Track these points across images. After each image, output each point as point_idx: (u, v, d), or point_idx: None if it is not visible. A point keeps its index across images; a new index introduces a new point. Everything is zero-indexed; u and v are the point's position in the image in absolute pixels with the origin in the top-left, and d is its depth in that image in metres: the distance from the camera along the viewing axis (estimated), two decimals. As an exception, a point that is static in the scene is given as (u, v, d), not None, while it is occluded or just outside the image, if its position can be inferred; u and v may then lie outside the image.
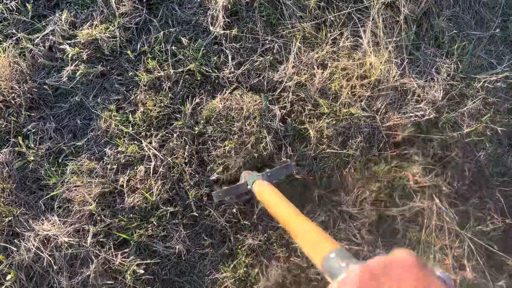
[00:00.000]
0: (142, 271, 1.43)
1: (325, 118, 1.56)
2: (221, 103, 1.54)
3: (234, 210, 1.49)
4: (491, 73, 1.61)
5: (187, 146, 1.52)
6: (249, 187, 1.31)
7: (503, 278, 1.51)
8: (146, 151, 1.50)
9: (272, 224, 1.50)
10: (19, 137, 1.48)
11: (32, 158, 1.47)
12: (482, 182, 1.58)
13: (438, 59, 1.61)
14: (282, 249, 1.49)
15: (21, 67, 1.51)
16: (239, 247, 1.49)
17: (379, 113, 1.55)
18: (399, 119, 1.53)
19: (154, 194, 1.46)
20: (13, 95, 1.50)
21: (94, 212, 1.44)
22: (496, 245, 1.52)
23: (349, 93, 1.56)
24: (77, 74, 1.54)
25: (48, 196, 1.46)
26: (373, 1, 1.55)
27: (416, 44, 1.63)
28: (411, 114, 1.53)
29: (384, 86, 1.54)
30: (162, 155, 1.50)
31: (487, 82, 1.58)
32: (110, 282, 1.41)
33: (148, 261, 1.45)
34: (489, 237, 1.53)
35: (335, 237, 1.51)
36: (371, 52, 1.47)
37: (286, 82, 1.59)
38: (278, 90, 1.60)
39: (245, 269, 1.47)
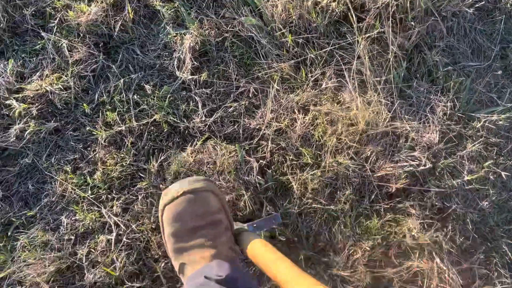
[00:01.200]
0: None
1: (309, 169, 1.42)
2: (191, 157, 1.38)
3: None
4: (492, 111, 1.47)
5: (154, 209, 1.36)
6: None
7: None
8: (107, 219, 1.34)
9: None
10: (-39, 210, 1.32)
11: (-24, 233, 1.31)
12: (486, 234, 1.44)
13: (432, 97, 1.47)
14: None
15: (-39, 128, 1.35)
16: (217, 322, 1.33)
17: (369, 162, 1.41)
18: (391, 168, 1.39)
19: (118, 268, 1.31)
20: (-47, 161, 1.34)
21: (49, 294, 1.28)
22: (506, 306, 1.38)
23: (335, 140, 1.41)
24: (27, 132, 1.39)
25: (-4, 277, 1.30)
26: (358, 37, 1.40)
27: (407, 81, 1.49)
28: (404, 164, 1.38)
29: (374, 131, 1.40)
30: (125, 222, 1.34)
31: (487, 122, 1.44)
32: None
33: None
34: (498, 298, 1.39)
35: (325, 304, 1.36)
36: (357, 97, 1.32)
37: (264, 130, 1.44)
38: (256, 139, 1.46)
39: None
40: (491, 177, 1.46)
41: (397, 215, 1.43)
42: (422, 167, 1.39)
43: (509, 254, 1.42)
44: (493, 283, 1.40)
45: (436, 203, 1.41)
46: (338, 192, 1.44)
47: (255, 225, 1.25)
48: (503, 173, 1.44)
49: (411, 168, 1.40)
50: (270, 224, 1.30)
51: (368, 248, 1.40)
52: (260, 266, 1.05)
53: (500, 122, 1.46)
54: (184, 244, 1.10)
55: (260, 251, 1.06)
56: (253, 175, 1.41)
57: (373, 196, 1.44)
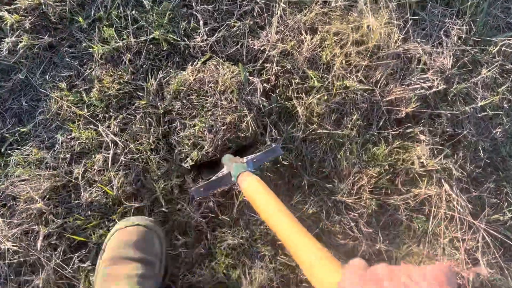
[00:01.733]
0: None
1: (315, 93, 1.36)
2: (192, 76, 1.32)
3: (211, 204, 1.30)
4: (509, 36, 1.39)
5: (152, 130, 1.31)
6: (233, 179, 1.15)
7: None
8: (104, 137, 1.29)
9: (255, 218, 1.32)
10: (-48, 124, 1.27)
11: (-32, 148, 1.26)
12: (498, 164, 1.39)
13: (447, 20, 1.40)
14: (267, 247, 1.31)
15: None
16: (218, 245, 1.31)
17: (378, 86, 1.35)
18: (402, 92, 1.33)
19: (115, 187, 1.27)
20: None
21: (44, 211, 1.24)
22: (514, 236, 1.35)
23: (343, 62, 1.35)
24: (20, 46, 1.32)
25: (-11, 193, 1.26)
26: (370, -49, 1.31)
27: (421, 2, 1.41)
28: (416, 86, 1.33)
29: (384, 53, 1.33)
30: (123, 141, 1.30)
31: (504, 46, 1.37)
32: (65, 291, 1.23)
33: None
34: (506, 227, 1.35)
35: (329, 231, 1.33)
36: (368, 12, 1.25)
37: (269, 51, 1.38)
38: (260, 61, 1.40)
39: (224, 271, 1.29)
40: (506, 105, 1.40)
41: (405, 141, 1.38)
42: (434, 89, 1.33)
43: (521, 184, 1.38)
44: (502, 212, 1.36)
45: (447, 129, 1.36)
46: (345, 118, 1.38)
47: (254, 160, 1.20)
48: (518, 101, 1.38)
49: (423, 91, 1.34)
50: (270, 156, 1.25)
51: (374, 175, 1.36)
52: (256, 208, 1.03)
53: (518, 47, 1.40)
54: (115, 272, 1.14)
55: (258, 195, 1.02)
56: (257, 96, 1.35)
57: (381, 122, 1.39)
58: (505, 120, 1.40)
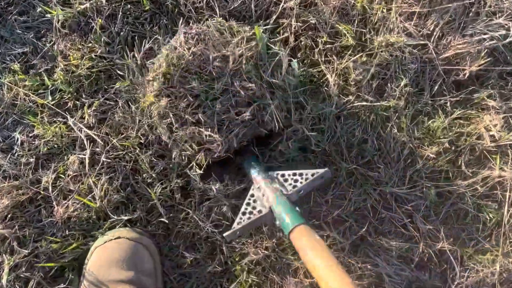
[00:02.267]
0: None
1: (349, 54, 1.03)
2: (186, 47, 0.97)
3: (224, 208, 1.00)
4: None
5: (139, 120, 0.99)
6: (277, 222, 0.88)
7: None
8: (77, 132, 0.97)
9: (283, 221, 1.02)
10: None
11: None
12: None
13: None
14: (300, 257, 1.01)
15: None
16: (237, 260, 1.02)
17: (432, 39, 1.03)
18: (463, 45, 1.01)
19: (98, 196, 0.97)
20: None
21: (7, 235, 0.94)
22: None
23: (385, 10, 1.02)
24: (-49, 17, 0.98)
25: None
26: None
27: None
28: (483, 36, 1.00)
29: (440, -6, 0.99)
30: (103, 136, 0.98)
31: None
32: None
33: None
34: None
35: (376, 230, 1.05)
36: None
37: (285, 2, 1.04)
38: (274, 16, 1.06)
39: (248, 292, 1.01)
40: None
41: (469, 110, 1.08)
42: (509, 39, 1.01)
43: None
44: None
45: (525, 91, 1.05)
46: (390, 84, 1.07)
47: (300, 191, 0.92)
48: None
49: (493, 41, 1.02)
50: (318, 183, 0.95)
51: (431, 156, 1.06)
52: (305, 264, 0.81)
53: None
54: None
55: (308, 252, 0.78)
56: (281, 73, 1.01)
57: (436, 87, 1.07)
58: None
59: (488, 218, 1.08)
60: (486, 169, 1.07)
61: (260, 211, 0.91)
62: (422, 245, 1.06)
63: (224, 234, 0.89)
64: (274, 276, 1.03)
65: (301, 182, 0.92)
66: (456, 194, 1.07)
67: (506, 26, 1.01)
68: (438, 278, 1.07)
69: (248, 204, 0.94)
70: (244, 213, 0.92)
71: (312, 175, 0.91)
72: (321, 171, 0.91)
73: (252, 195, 0.95)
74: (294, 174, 0.93)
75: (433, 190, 1.05)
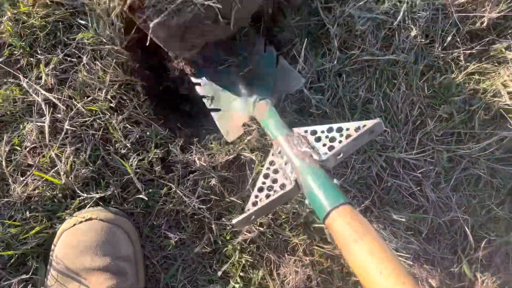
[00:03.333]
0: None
1: (354, 0, 0.89)
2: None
3: (213, 181, 0.87)
4: None
5: (110, 77, 0.84)
6: (306, 201, 0.66)
7: None
8: (33, 95, 0.81)
9: (279, 193, 0.90)
10: None
11: None
12: None
13: None
14: (300, 233, 0.91)
15: None
16: (228, 239, 0.90)
17: (446, -18, 0.89)
18: (483, -12, 0.88)
19: (63, 171, 0.82)
20: None
21: (-46, 220, 0.79)
22: None
23: None
24: None
25: None
26: None
27: None
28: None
29: None
30: (65, 100, 0.82)
31: None
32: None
33: None
34: None
35: (381, 200, 0.94)
36: None
37: None
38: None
39: (242, 273, 0.90)
40: None
41: (485, 64, 0.96)
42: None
43: None
44: None
45: (548, 41, 0.94)
46: (397, 36, 0.94)
47: (340, 154, 0.68)
48: None
49: (518, -16, 0.90)
50: (365, 141, 0.70)
51: (444, 115, 0.95)
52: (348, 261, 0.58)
53: None
54: None
55: (348, 241, 0.56)
56: None
57: (449, 39, 0.95)
58: None
59: (503, 184, 0.99)
60: (502, 130, 0.96)
61: (283, 186, 0.69)
62: (431, 215, 0.96)
63: (234, 221, 0.70)
64: (270, 254, 0.92)
65: (340, 141, 0.67)
66: (468, 158, 0.97)
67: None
68: (448, 250, 0.99)
69: (266, 176, 0.72)
70: (261, 189, 0.70)
71: (357, 129, 0.66)
72: (369, 123, 0.65)
73: (272, 163, 0.73)
74: (330, 130, 0.69)
75: (445, 154, 0.95)
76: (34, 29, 0.84)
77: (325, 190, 0.62)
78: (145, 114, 0.89)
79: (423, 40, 0.94)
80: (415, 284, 0.48)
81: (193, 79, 0.96)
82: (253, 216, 0.70)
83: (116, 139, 0.86)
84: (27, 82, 0.82)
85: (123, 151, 0.87)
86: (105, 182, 0.86)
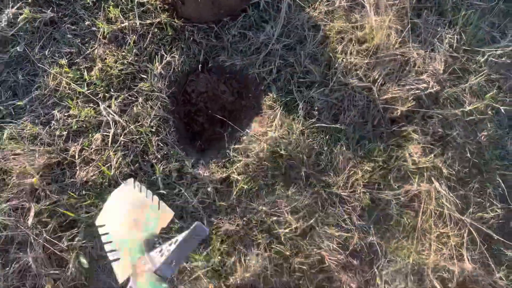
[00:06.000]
0: (86, 265, 1.22)
1: (316, 87, 1.41)
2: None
3: (209, 189, 1.31)
4: (497, 47, 1.51)
5: (154, 113, 1.31)
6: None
7: (502, 270, 1.42)
8: (104, 116, 1.28)
9: (252, 206, 1.33)
10: None
11: (-42, 118, 1.22)
12: (482, 166, 1.48)
13: (440, 29, 1.50)
14: (264, 235, 1.33)
15: None
16: (214, 232, 1.31)
17: (376, 85, 1.42)
18: (398, 91, 1.40)
19: (113, 167, 1.25)
20: None
21: (37, 187, 1.21)
22: (495, 234, 1.43)
23: (344, 60, 1.41)
24: (20, 18, 1.29)
25: (-23, 166, 1.21)
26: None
27: (417, 10, 1.51)
28: (411, 87, 1.41)
29: (384, 54, 1.40)
30: (123, 122, 1.29)
31: (491, 56, 1.48)
32: (54, 271, 1.19)
33: (101, 248, 1.24)
34: (489, 225, 1.44)
35: (322, 222, 1.37)
36: (371, 11, 1.33)
37: (273, 45, 1.42)
38: (263, 53, 1.42)
39: (220, 257, 1.29)
40: (490, 112, 1.50)
41: (399, 140, 1.45)
42: (430, 90, 1.41)
43: (502, 185, 1.47)
44: (486, 211, 1.44)
45: (438, 130, 1.44)
46: (343, 114, 1.44)
47: (172, 262, 0.74)
48: (501, 108, 1.49)
49: (418, 91, 1.42)
50: (195, 243, 0.76)
51: (369, 169, 1.41)
52: None
53: (503, 59, 1.51)
54: None
55: None
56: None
57: (376, 121, 1.45)
58: (489, 125, 1.49)
59: (407, 223, 1.42)
60: (408, 184, 1.43)
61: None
62: (356, 237, 1.38)
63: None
64: (241, 247, 1.32)
65: (168, 250, 0.73)
66: (385, 201, 1.42)
67: (427, 82, 1.42)
68: (366, 265, 1.39)
69: None
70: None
71: (185, 236, 0.73)
72: (193, 226, 0.73)
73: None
74: (171, 243, 0.75)
75: (368, 196, 1.40)
76: (112, 76, 1.33)
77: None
78: (172, 139, 1.35)
79: (359, 119, 1.44)
80: None
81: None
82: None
83: (150, 152, 1.31)
84: (104, 106, 1.29)
85: (153, 161, 1.31)
86: (138, 179, 1.29)
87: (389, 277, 1.38)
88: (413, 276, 1.39)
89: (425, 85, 1.42)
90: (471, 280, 1.40)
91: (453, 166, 1.44)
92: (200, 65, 1.42)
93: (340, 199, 1.41)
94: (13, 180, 1.20)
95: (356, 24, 1.43)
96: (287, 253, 1.33)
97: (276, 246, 1.33)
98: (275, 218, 1.35)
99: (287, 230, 1.33)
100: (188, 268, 1.29)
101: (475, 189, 1.45)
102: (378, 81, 1.43)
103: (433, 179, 1.41)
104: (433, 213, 1.40)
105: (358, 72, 1.43)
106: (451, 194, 1.40)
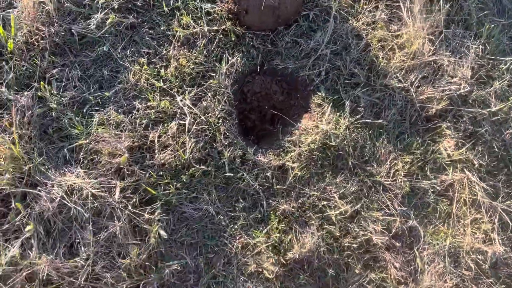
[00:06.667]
0: (166, 236, 1.37)
1: (361, 88, 1.60)
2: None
3: (268, 174, 1.47)
4: (517, 57, 1.71)
5: (221, 106, 1.49)
6: None
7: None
8: (178, 108, 1.46)
9: (305, 191, 1.49)
10: (42, 82, 1.40)
11: (54, 105, 1.41)
12: (508, 161, 1.65)
13: (466, 40, 1.71)
14: (317, 216, 1.47)
15: (48, 8, 1.44)
16: (272, 212, 1.47)
17: (413, 86, 1.61)
18: (433, 92, 1.59)
19: (187, 151, 1.42)
20: (37, 37, 1.43)
21: (122, 166, 1.37)
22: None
23: (385, 64, 1.61)
24: (107, 23, 1.50)
25: (70, 147, 1.38)
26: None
27: (445, 23, 1.72)
28: (444, 88, 1.60)
29: (420, 60, 1.60)
30: (195, 113, 1.47)
31: (513, 65, 1.69)
32: (135, 241, 1.33)
33: (175, 223, 1.40)
34: (516, 213, 1.60)
35: (368, 207, 1.52)
36: (410, 22, 1.54)
37: (321, 50, 1.62)
38: (313, 58, 1.62)
39: (278, 235, 1.44)
40: (512, 113, 1.69)
41: (434, 136, 1.63)
42: (461, 91, 1.60)
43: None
44: (513, 201, 1.61)
45: (469, 127, 1.62)
46: (384, 112, 1.62)
47: None
48: (523, 111, 1.68)
49: (451, 92, 1.61)
50: None
51: (408, 161, 1.58)
52: None
53: (523, 67, 1.71)
54: None
55: None
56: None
57: (413, 118, 1.63)
58: (511, 124, 1.68)
59: (443, 210, 1.58)
60: (443, 175, 1.59)
61: None
62: (398, 221, 1.54)
63: None
64: (297, 226, 1.47)
65: None
66: (422, 190, 1.58)
67: (459, 83, 1.61)
68: (407, 247, 1.54)
69: None
70: None
71: None
72: None
73: None
74: None
75: (408, 184, 1.56)
76: (185, 74, 1.52)
77: None
78: (234, 130, 1.53)
79: (398, 117, 1.62)
80: None
81: None
82: None
83: (217, 140, 1.48)
84: (180, 99, 1.47)
85: (220, 148, 1.48)
86: (207, 163, 1.46)
87: (428, 258, 1.52)
88: (450, 258, 1.53)
89: (456, 86, 1.61)
90: (503, 262, 1.54)
91: (483, 159, 1.61)
92: (258, 67, 1.61)
93: (383, 187, 1.57)
94: (104, 159, 1.37)
95: (395, 33, 1.64)
96: (337, 234, 1.48)
97: (328, 226, 1.48)
98: (325, 202, 1.51)
99: (337, 212, 1.49)
100: (251, 243, 1.43)
101: (503, 181, 1.62)
102: (415, 83, 1.63)
103: (465, 170, 1.58)
104: (466, 200, 1.56)
105: (397, 75, 1.62)
106: (482, 183, 1.56)
